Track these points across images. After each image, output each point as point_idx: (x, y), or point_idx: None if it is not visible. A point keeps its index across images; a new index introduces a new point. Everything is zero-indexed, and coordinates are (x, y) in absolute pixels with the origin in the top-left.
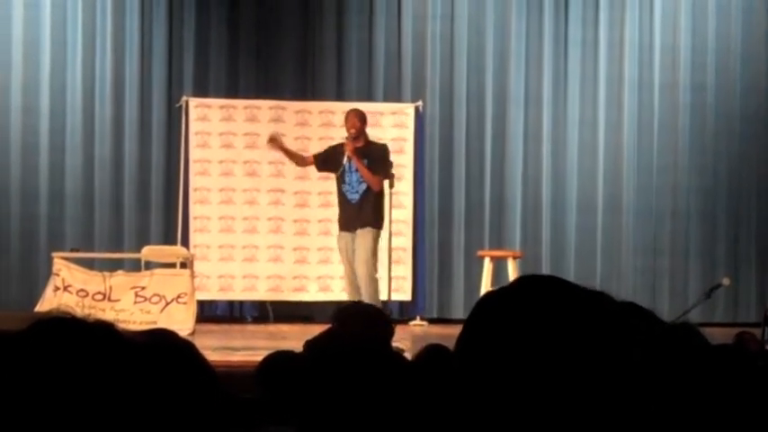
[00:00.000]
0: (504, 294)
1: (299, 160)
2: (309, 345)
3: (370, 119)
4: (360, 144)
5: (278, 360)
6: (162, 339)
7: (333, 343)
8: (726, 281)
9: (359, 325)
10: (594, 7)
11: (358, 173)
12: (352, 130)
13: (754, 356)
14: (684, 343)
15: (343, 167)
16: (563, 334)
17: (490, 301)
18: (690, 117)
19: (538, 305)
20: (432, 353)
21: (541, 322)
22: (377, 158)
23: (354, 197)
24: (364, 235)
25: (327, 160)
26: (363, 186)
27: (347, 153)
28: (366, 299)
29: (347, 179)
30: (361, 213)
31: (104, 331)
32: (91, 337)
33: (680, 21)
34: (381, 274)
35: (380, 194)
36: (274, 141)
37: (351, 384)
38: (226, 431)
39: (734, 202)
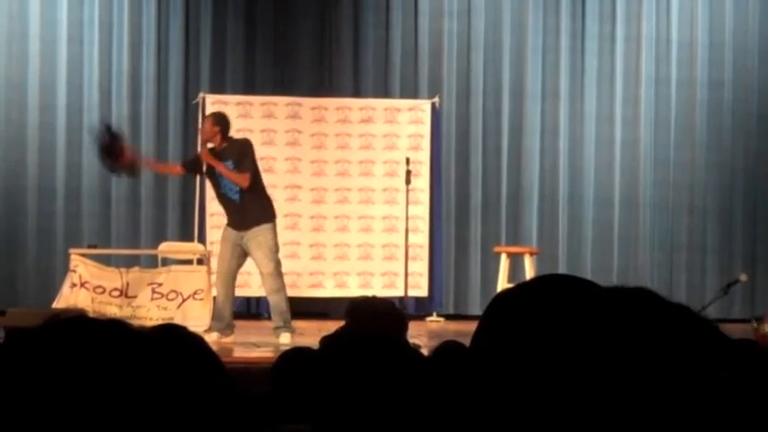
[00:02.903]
0: (521, 291)
1: (171, 170)
2: (325, 341)
3: (386, 115)
4: (219, 146)
5: (295, 356)
6: (173, 334)
7: (349, 339)
8: (743, 277)
9: (372, 320)
10: (611, 2)
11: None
12: (206, 137)
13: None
14: (712, 343)
15: (213, 170)
16: (580, 332)
17: (507, 298)
18: (707, 114)
19: (555, 303)
20: (448, 349)
21: (559, 320)
22: (238, 155)
23: (235, 197)
24: (262, 233)
25: (193, 164)
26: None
27: (204, 160)
28: (279, 293)
29: (222, 181)
30: (249, 213)
31: (116, 328)
32: (103, 333)
33: (697, 17)
34: (396, 269)
35: (259, 188)
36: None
37: (367, 381)
38: (240, 428)
39: (751, 199)
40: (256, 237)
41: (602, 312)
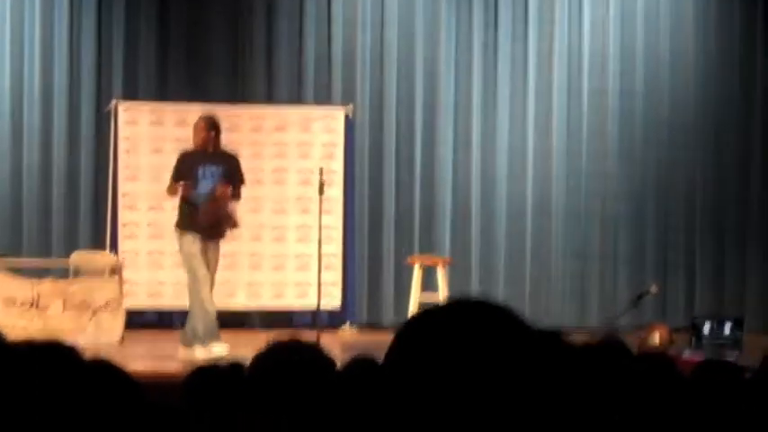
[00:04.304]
0: (432, 317)
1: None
2: (257, 359)
3: (300, 123)
4: (210, 150)
5: (207, 373)
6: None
7: (279, 358)
8: (654, 288)
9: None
10: (524, 14)
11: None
12: (204, 144)
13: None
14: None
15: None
16: (488, 358)
17: (419, 323)
18: (618, 124)
19: (465, 329)
20: (359, 365)
21: (467, 347)
22: (233, 168)
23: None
24: (218, 246)
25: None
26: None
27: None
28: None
29: (204, 192)
30: (218, 225)
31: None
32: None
33: (608, 27)
34: (310, 280)
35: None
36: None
37: (282, 398)
38: None
39: (662, 209)
40: (217, 248)
41: (510, 339)
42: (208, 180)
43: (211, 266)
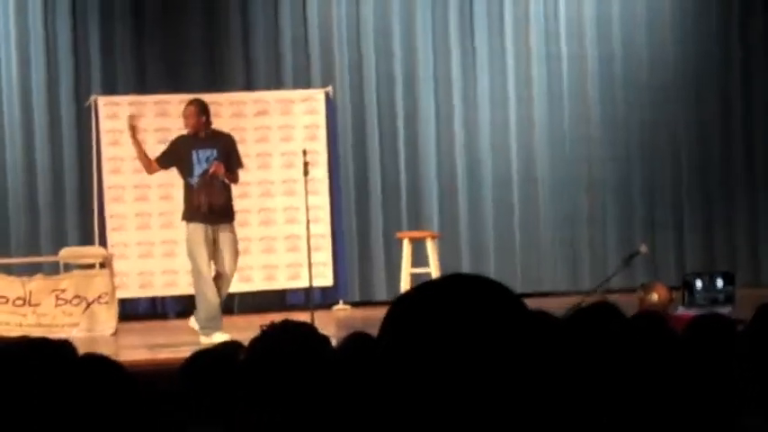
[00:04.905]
0: (424, 292)
1: (148, 165)
2: (252, 344)
3: (280, 107)
4: (202, 134)
5: (204, 357)
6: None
7: (274, 341)
8: (643, 248)
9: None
10: None
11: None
12: (196, 128)
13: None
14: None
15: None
16: (482, 332)
17: (411, 298)
18: (599, 88)
19: (458, 303)
20: (355, 342)
21: (460, 321)
22: (227, 150)
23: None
24: (231, 230)
25: (167, 161)
26: None
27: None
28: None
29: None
30: (225, 208)
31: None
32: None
33: None
34: (300, 261)
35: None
36: (132, 125)
37: (279, 379)
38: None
39: (647, 169)
40: (226, 232)
41: (503, 315)
42: (202, 165)
43: (227, 252)
